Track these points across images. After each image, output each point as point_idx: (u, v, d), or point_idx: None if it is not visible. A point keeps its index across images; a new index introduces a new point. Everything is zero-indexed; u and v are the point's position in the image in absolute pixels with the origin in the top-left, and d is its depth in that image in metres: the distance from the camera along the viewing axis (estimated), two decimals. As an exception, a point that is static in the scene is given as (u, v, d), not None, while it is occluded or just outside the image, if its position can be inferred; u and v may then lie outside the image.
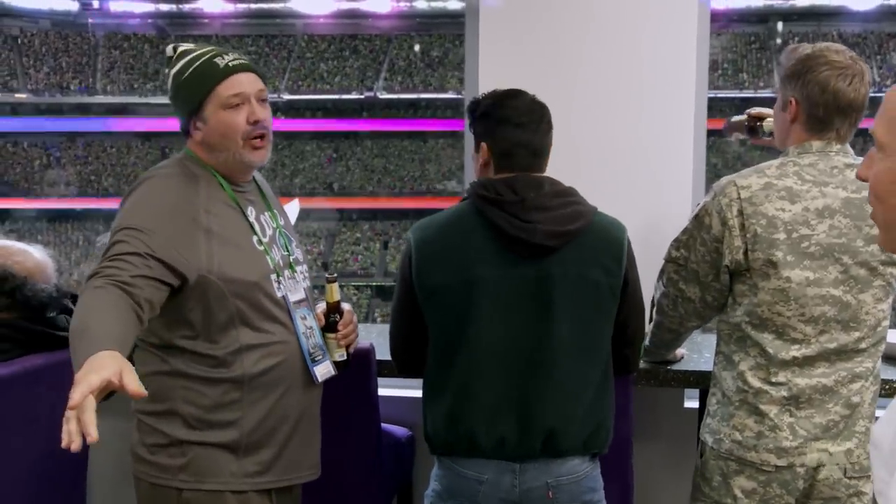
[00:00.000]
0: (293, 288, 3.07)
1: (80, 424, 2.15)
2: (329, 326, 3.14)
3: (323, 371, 3.10)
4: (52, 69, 37.88)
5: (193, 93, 2.96)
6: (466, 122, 3.21)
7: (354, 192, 36.98)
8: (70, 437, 2.13)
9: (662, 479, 4.14)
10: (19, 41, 38.31)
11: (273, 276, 2.98)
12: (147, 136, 37.09)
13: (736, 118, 3.78)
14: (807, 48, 3.09)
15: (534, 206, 2.94)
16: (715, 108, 31.30)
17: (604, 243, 3.02)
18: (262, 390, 2.95)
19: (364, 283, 35.54)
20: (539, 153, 3.04)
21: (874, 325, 3.07)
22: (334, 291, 3.15)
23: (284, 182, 36.04)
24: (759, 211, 3.00)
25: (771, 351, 3.04)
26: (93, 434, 2.12)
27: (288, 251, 3.12)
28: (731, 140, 3.89)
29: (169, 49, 3.06)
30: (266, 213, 3.11)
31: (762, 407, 3.06)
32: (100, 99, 37.82)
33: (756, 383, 3.07)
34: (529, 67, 4.27)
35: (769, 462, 3.05)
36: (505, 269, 2.96)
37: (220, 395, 2.92)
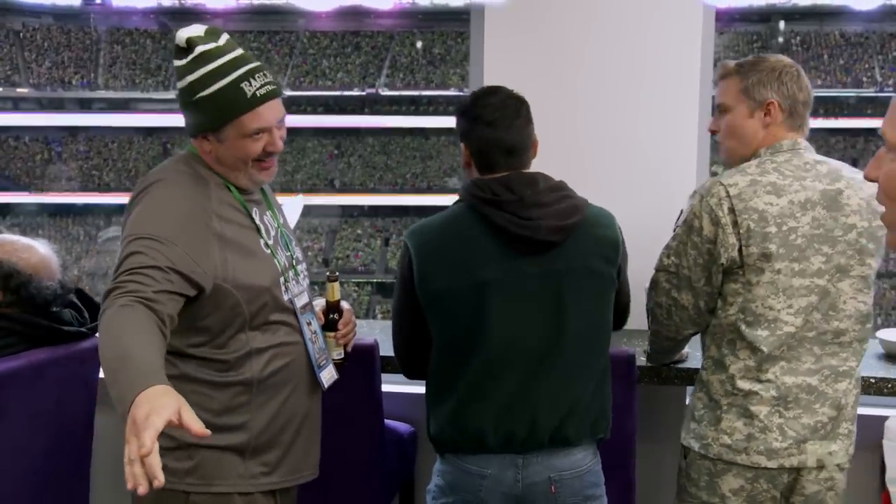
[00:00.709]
0: (298, 290, 3.06)
1: (147, 468, 2.13)
2: (328, 325, 3.15)
3: (328, 377, 3.11)
4: (55, 64, 37.83)
5: (214, 116, 2.86)
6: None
7: (356, 188, 36.96)
8: (137, 481, 2.11)
9: (665, 477, 4.15)
10: (21, 36, 38.27)
11: (281, 280, 2.97)
12: (149, 132, 37.04)
13: None
14: (758, 56, 3.28)
15: (532, 203, 2.96)
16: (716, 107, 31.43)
17: (601, 234, 3.05)
18: (270, 392, 2.96)
19: (365, 280, 35.52)
20: (514, 151, 3.03)
21: (858, 319, 3.13)
22: (335, 290, 3.15)
23: (286, 178, 36.01)
24: (750, 206, 3.06)
25: (765, 349, 3.08)
26: (160, 478, 2.12)
27: (290, 251, 3.11)
28: None
29: (181, 40, 2.87)
30: (268, 213, 3.10)
31: (752, 408, 3.10)
32: (102, 94, 37.76)
33: (745, 385, 3.11)
34: (534, 65, 4.29)
35: (759, 464, 3.09)
36: (511, 268, 2.97)
37: (228, 398, 2.92)
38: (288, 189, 33.32)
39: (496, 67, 4.33)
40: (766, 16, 37.07)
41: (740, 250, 3.07)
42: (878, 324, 16.17)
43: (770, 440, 3.08)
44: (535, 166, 3.10)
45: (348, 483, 3.72)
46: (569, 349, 3.00)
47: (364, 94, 37.41)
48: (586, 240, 3.01)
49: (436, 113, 36.26)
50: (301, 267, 3.14)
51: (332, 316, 3.15)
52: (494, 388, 3.01)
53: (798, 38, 36.27)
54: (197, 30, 2.89)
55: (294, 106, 36.85)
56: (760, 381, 3.09)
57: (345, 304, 3.21)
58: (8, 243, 3.56)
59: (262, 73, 2.88)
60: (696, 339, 3.92)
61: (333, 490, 3.58)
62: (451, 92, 35.42)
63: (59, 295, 3.53)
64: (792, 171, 3.11)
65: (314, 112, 37.57)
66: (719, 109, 3.31)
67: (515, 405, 3.00)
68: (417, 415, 3.44)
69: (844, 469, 3.18)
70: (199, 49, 2.85)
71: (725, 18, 35.05)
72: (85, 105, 38.18)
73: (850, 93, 33.15)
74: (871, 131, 30.87)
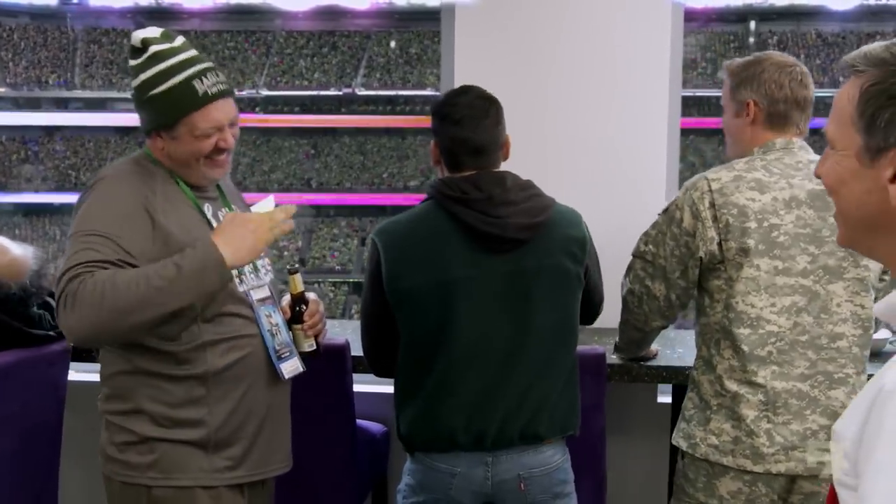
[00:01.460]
0: (256, 284, 3.07)
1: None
2: (295, 317, 3.13)
3: (290, 368, 3.09)
4: (31, 63, 37.67)
5: (166, 113, 2.93)
6: None
7: (332, 188, 36.91)
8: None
9: (635, 473, 4.17)
10: (-3, 35, 38.16)
11: (234, 272, 2.96)
12: (126, 131, 36.84)
13: None
14: (755, 56, 3.27)
15: (501, 201, 2.97)
16: (693, 106, 31.49)
17: (568, 232, 3.08)
18: (227, 385, 2.95)
19: (341, 280, 35.48)
20: (481, 150, 3.05)
21: (856, 324, 3.10)
22: (297, 282, 3.14)
23: (262, 178, 35.97)
24: (730, 201, 3.07)
25: (746, 348, 3.07)
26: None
27: None
28: None
29: (136, 40, 2.95)
30: (223, 210, 3.11)
31: (739, 411, 3.09)
32: (78, 93, 37.63)
33: (733, 387, 3.10)
34: (505, 65, 4.30)
35: (745, 467, 3.08)
36: (479, 266, 2.99)
37: (184, 392, 2.91)
38: (264, 189, 33.29)
39: (467, 66, 4.33)
40: (742, 16, 37.16)
41: (720, 245, 3.08)
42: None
43: (757, 444, 3.07)
44: (505, 164, 3.11)
45: (320, 483, 3.72)
46: (536, 347, 3.02)
47: (341, 93, 37.34)
48: (553, 238, 3.03)
49: (412, 113, 36.24)
50: (262, 262, 3.13)
51: (297, 308, 3.14)
52: (462, 386, 3.02)
53: (775, 37, 36.36)
54: (152, 31, 2.96)
55: (270, 105, 36.83)
56: (748, 384, 3.08)
57: (311, 295, 3.20)
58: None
59: (213, 73, 2.95)
60: (670, 336, 3.95)
61: (305, 490, 3.57)
62: (428, 92, 35.38)
63: (20, 298, 3.51)
64: (780, 170, 3.12)
65: (291, 112, 37.49)
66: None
67: (484, 403, 3.01)
68: (389, 414, 3.43)
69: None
70: (153, 49, 2.92)
71: (702, 18, 35.14)
72: (62, 104, 38.03)
73: (828, 92, 32.84)
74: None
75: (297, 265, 3.22)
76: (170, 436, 2.92)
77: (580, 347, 3.20)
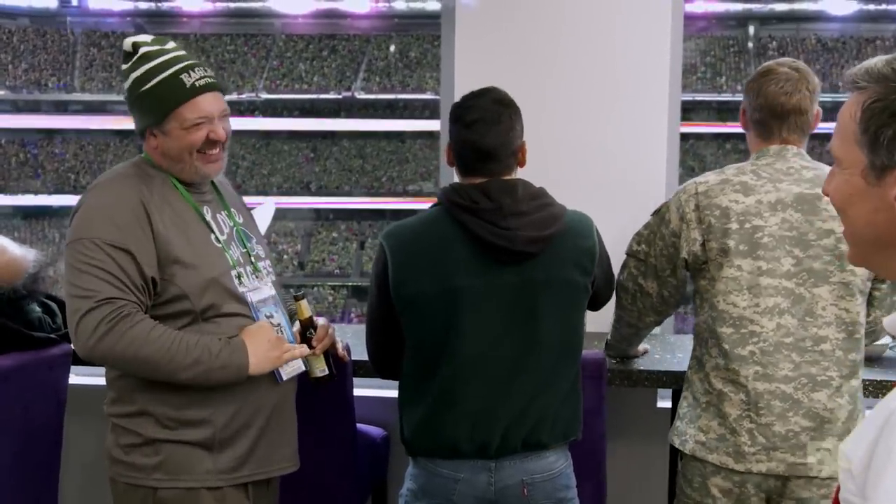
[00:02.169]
0: (257, 285, 3.09)
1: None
2: (305, 343, 3.15)
3: (288, 370, 3.11)
4: (31, 66, 37.63)
5: (156, 108, 2.98)
6: None
7: (331, 191, 36.85)
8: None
9: (635, 478, 4.17)
10: (-3, 38, 38.12)
11: (233, 273, 3.00)
12: (125, 134, 36.80)
13: None
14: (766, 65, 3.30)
15: (510, 212, 2.94)
16: (693, 110, 31.45)
17: (579, 243, 3.05)
18: (231, 384, 2.96)
19: (340, 283, 35.40)
20: (491, 156, 3.01)
21: (840, 327, 3.11)
22: (304, 308, 3.16)
23: (261, 181, 35.92)
24: (714, 203, 3.14)
25: (727, 346, 3.12)
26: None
27: (247, 248, 3.13)
28: None
29: (127, 45, 3.04)
30: (223, 213, 3.15)
31: (724, 409, 3.13)
32: (78, 97, 37.58)
33: (718, 385, 3.15)
34: (504, 69, 4.30)
35: (727, 465, 3.10)
36: (486, 276, 2.97)
37: (189, 392, 2.93)
38: (263, 192, 33.26)
39: (467, 70, 4.33)
40: (742, 20, 37.14)
41: (703, 245, 3.14)
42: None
43: (739, 443, 3.10)
44: (506, 167, 3.10)
45: (320, 487, 3.72)
46: (541, 358, 3.01)
47: (340, 97, 37.29)
48: (563, 250, 3.01)
49: (412, 117, 36.19)
50: (263, 264, 3.18)
51: (307, 333, 3.15)
52: (466, 395, 3.01)
53: (774, 42, 36.32)
54: (143, 37, 3.05)
55: (270, 109, 36.76)
56: (731, 382, 3.12)
57: (320, 320, 3.24)
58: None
59: (202, 68, 3.02)
60: (669, 341, 3.95)
61: (305, 494, 3.57)
62: (428, 95, 35.33)
63: (13, 299, 3.50)
64: (769, 174, 3.16)
65: (290, 115, 37.43)
66: None
67: (488, 413, 3.00)
68: (390, 419, 3.44)
69: None
70: (143, 50, 3.01)
71: (702, 23, 35.11)
72: (61, 107, 37.98)
73: (827, 97, 32.97)
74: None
75: (302, 291, 3.23)
76: (175, 437, 2.95)
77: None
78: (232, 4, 37.61)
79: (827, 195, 1.73)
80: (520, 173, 3.08)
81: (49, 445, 3.75)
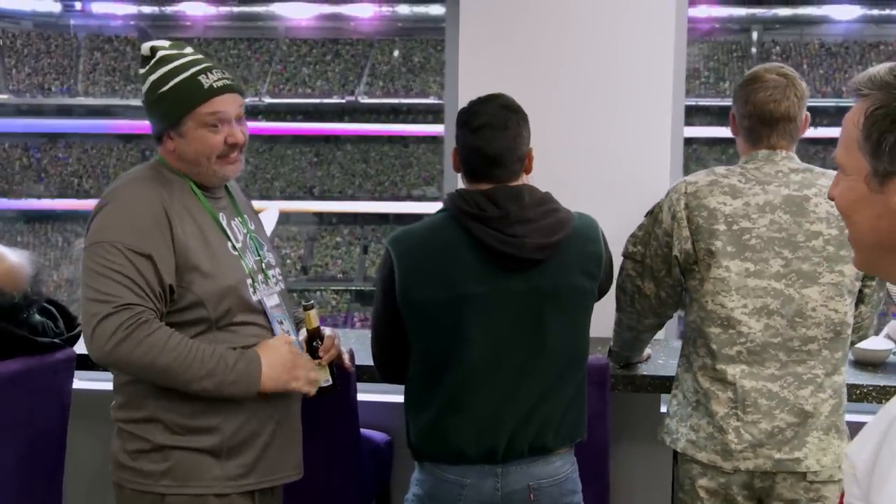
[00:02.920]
0: (268, 293, 3.09)
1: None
2: (311, 353, 3.14)
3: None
4: (34, 70, 37.70)
5: (174, 108, 2.97)
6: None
7: (335, 195, 36.90)
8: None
9: (639, 483, 4.17)
10: (1, 42, 38.14)
11: (249, 281, 3.00)
12: (128, 138, 36.91)
13: None
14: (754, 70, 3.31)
15: (517, 219, 2.93)
16: (696, 115, 31.46)
17: (586, 248, 3.05)
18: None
19: (343, 288, 35.47)
20: (497, 162, 2.99)
21: (829, 327, 3.13)
22: (312, 318, 3.15)
23: (265, 185, 35.98)
24: (702, 204, 3.15)
25: (715, 346, 3.14)
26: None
27: (260, 255, 3.13)
28: None
29: (145, 49, 3.04)
30: (237, 219, 3.14)
31: (711, 408, 3.15)
32: (81, 101, 37.65)
33: (706, 384, 3.18)
34: (509, 73, 4.30)
35: (715, 463, 3.13)
36: (493, 283, 2.95)
37: (199, 400, 2.92)
38: (267, 197, 33.30)
39: (471, 75, 4.34)
40: (746, 25, 37.19)
41: (693, 245, 3.16)
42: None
43: (727, 441, 3.13)
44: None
45: (324, 492, 3.72)
46: (548, 364, 3.00)
47: (343, 101, 37.37)
48: (570, 256, 3.00)
49: (415, 121, 36.26)
50: (273, 272, 3.17)
51: (314, 343, 3.15)
52: (473, 401, 3.00)
53: (778, 47, 36.38)
54: (161, 42, 3.06)
55: (273, 113, 36.82)
56: (719, 381, 3.15)
57: (327, 331, 3.23)
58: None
59: (219, 70, 3.02)
60: (673, 346, 3.95)
61: (309, 498, 3.57)
62: (431, 100, 35.41)
63: (22, 307, 3.49)
64: (756, 177, 3.18)
65: (293, 119, 37.50)
66: None
67: (494, 419, 2.99)
68: (394, 424, 3.44)
69: (836, 482, 3.13)
70: (161, 53, 3.01)
71: (706, 28, 35.15)
72: (64, 111, 38.03)
73: (830, 102, 33.17)
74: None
75: (311, 301, 3.22)
76: (184, 443, 2.94)
77: (584, 358, 3.19)
78: (235, 9, 37.71)
79: (831, 198, 1.74)
80: (525, 176, 3.07)
81: (53, 450, 3.75)
